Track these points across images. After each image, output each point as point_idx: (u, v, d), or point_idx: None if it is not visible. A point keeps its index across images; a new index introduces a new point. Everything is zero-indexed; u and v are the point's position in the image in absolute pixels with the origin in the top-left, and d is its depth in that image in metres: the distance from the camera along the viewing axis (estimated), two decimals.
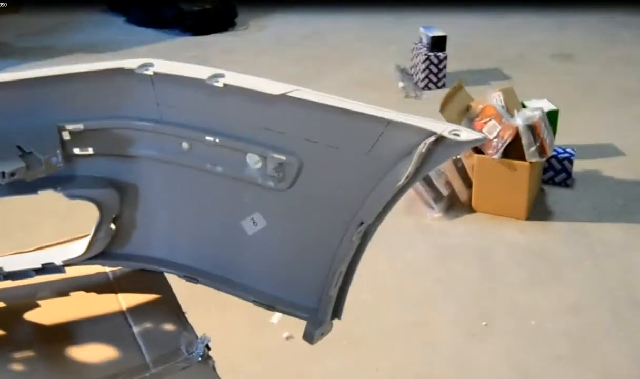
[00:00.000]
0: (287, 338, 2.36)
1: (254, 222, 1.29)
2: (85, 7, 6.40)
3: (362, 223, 1.19)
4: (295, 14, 6.37)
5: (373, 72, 5.09)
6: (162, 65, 1.18)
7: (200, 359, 1.18)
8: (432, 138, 1.04)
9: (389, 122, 1.08)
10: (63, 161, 1.21)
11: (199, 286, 1.37)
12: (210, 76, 1.15)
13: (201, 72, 1.16)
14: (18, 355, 1.22)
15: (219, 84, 1.14)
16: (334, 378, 2.25)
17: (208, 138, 1.21)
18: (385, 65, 5.09)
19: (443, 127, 1.05)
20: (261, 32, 5.97)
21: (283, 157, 1.18)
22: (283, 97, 1.12)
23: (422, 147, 1.05)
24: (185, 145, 1.25)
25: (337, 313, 1.30)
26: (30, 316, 1.32)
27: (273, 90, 1.12)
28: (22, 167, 1.15)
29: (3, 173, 1.13)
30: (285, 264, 1.31)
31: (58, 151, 1.20)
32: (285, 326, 2.35)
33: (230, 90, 1.14)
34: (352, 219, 1.20)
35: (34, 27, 5.90)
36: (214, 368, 1.18)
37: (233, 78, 1.15)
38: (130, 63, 1.18)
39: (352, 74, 5.01)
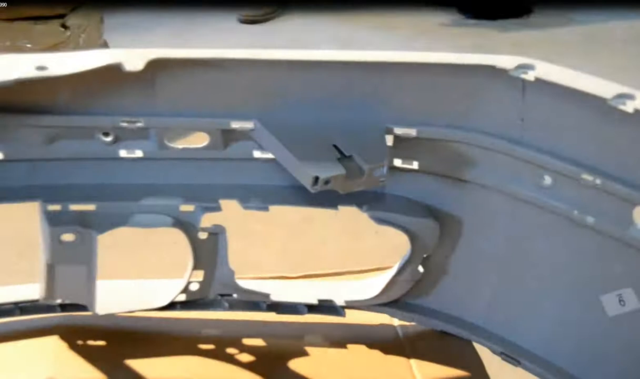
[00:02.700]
0: None
1: (620, 301, 1.23)
2: None
3: None
4: (614, 8, 6.19)
5: None
6: (547, 70, 1.16)
7: None
8: None
9: None
10: (387, 176, 1.22)
11: None
12: (617, 95, 1.10)
13: (602, 86, 1.12)
14: None
15: (627, 108, 1.09)
16: None
17: (585, 176, 1.17)
18: None
19: None
20: (565, 26, 5.85)
21: None
22: None
23: None
24: (547, 180, 1.22)
25: None
26: (296, 366, 1.35)
27: None
28: (341, 174, 1.18)
29: (316, 179, 1.16)
30: None
31: (385, 161, 1.21)
32: None
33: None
34: None
35: None
36: None
37: None
38: (504, 61, 1.18)
39: None
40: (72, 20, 3.78)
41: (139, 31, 4.78)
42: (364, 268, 1.51)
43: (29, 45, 3.54)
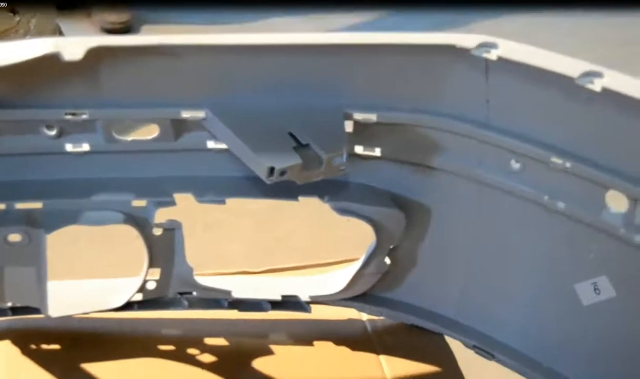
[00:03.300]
0: None
1: (595, 289, 1.23)
2: None
3: None
4: None
5: None
6: (509, 48, 1.14)
7: None
8: None
9: None
10: (347, 164, 1.21)
11: None
12: (584, 73, 1.09)
13: (568, 64, 1.11)
14: None
15: (594, 86, 1.09)
16: None
17: (555, 160, 1.16)
18: None
19: None
20: None
21: None
22: None
23: None
24: (515, 164, 1.21)
25: None
26: (261, 365, 1.35)
27: None
28: (298, 164, 1.16)
29: (272, 169, 1.14)
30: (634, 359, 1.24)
31: (344, 148, 1.20)
32: None
33: (608, 96, 1.08)
34: None
35: None
36: None
37: (617, 80, 1.08)
38: (465, 39, 1.16)
39: None
40: (23, 4, 3.72)
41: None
42: (335, 260, 1.49)
43: None
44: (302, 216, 2.59)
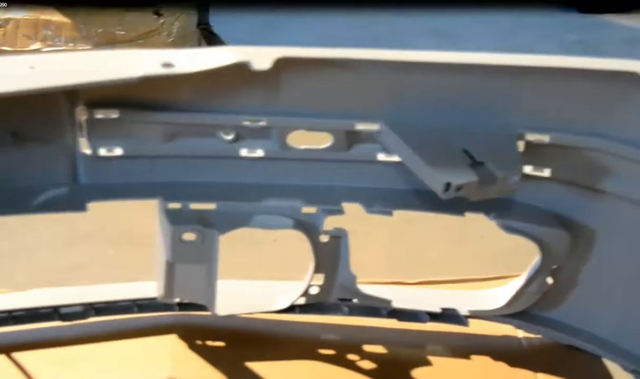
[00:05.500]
0: None
1: None
2: None
3: None
4: None
5: None
6: None
7: None
8: None
9: None
10: (520, 183, 1.22)
11: None
12: None
13: None
14: None
15: None
16: None
17: None
18: None
19: None
20: None
21: None
22: None
23: None
24: None
25: None
26: (419, 375, 1.38)
27: None
28: (474, 181, 1.17)
29: (448, 184, 1.15)
30: None
31: (518, 168, 1.21)
32: None
33: None
34: None
35: None
36: None
37: None
38: None
39: None
40: (165, 7, 3.78)
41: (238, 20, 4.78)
42: (481, 276, 1.52)
43: (121, 33, 3.58)
44: (439, 227, 2.59)
